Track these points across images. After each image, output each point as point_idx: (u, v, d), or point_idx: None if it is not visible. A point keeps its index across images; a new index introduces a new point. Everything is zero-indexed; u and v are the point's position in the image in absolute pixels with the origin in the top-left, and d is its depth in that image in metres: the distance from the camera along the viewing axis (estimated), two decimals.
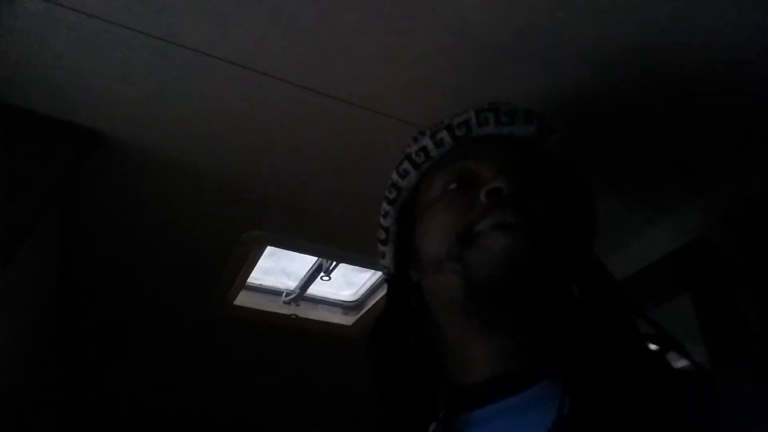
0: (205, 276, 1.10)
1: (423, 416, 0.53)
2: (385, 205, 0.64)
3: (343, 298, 1.36)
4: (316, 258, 1.20)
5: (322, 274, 1.23)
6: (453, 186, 0.56)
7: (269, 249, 1.07)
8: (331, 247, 1.05)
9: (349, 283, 1.36)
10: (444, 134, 0.59)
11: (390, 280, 0.65)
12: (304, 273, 1.27)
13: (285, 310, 1.28)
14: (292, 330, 1.29)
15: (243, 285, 1.17)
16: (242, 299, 1.22)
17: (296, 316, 1.27)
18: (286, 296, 1.29)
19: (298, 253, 1.11)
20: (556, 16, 0.62)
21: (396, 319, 0.58)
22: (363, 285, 1.33)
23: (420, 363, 0.55)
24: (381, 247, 0.65)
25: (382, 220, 0.64)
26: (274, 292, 1.30)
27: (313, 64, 0.68)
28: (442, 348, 0.56)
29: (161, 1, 0.61)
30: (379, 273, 1.21)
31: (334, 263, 1.20)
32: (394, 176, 0.63)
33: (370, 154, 0.81)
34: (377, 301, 1.27)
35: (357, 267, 1.24)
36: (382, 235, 0.64)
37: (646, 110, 0.73)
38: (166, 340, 1.34)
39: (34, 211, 0.72)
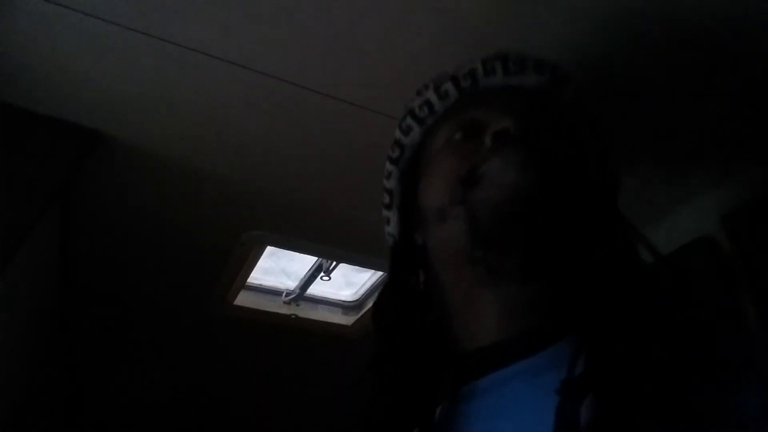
0: (205, 276, 1.10)
1: (431, 399, 0.49)
2: (388, 165, 0.60)
3: (343, 298, 1.36)
4: (316, 258, 1.20)
5: (322, 274, 1.23)
6: (458, 136, 0.53)
7: (269, 249, 1.07)
8: (331, 247, 1.05)
9: (349, 283, 1.36)
10: (448, 86, 0.56)
11: (393, 246, 0.60)
12: (304, 273, 1.27)
13: (285, 310, 1.28)
14: (292, 330, 1.29)
15: (243, 285, 1.17)
16: (242, 299, 1.22)
17: (296, 316, 1.27)
18: (286, 296, 1.29)
19: (298, 253, 1.11)
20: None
21: (400, 290, 0.54)
22: (363, 285, 1.33)
23: (427, 337, 0.51)
24: (385, 212, 0.61)
25: (385, 182, 0.60)
26: (274, 292, 1.30)
27: (313, 64, 0.68)
28: (447, 315, 0.52)
29: (161, 1, 0.61)
30: (380, 273, 1.21)
31: (334, 263, 1.20)
32: (397, 133, 0.59)
33: (370, 154, 0.81)
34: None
35: (357, 267, 1.24)
36: (386, 199, 0.60)
37: (646, 111, 0.73)
38: (166, 340, 1.34)
39: (34, 211, 0.72)
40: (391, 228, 0.61)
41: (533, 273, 0.46)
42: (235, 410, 1.67)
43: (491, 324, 0.47)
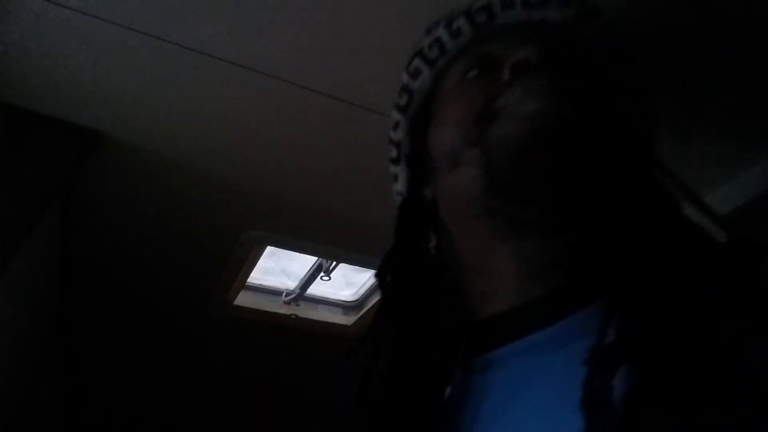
0: (205, 276, 1.10)
1: (442, 374, 0.44)
2: (395, 114, 0.54)
3: (343, 298, 1.36)
4: (316, 258, 1.20)
5: (322, 274, 1.23)
6: (473, 73, 0.47)
7: (269, 249, 1.07)
8: (331, 247, 1.05)
9: (349, 283, 1.36)
10: (461, 22, 0.49)
11: (401, 204, 0.53)
12: (304, 273, 1.27)
13: (285, 310, 1.28)
14: (292, 330, 1.29)
15: (243, 285, 1.17)
16: (242, 299, 1.22)
17: (296, 316, 1.27)
18: (286, 296, 1.29)
19: (298, 253, 1.11)
20: None
21: (408, 252, 0.49)
22: (363, 285, 1.33)
23: (437, 305, 0.46)
24: (392, 168, 0.55)
25: (392, 134, 0.54)
26: (274, 292, 1.30)
27: (313, 64, 0.68)
28: (460, 278, 0.47)
29: (161, 1, 0.61)
30: None
31: (334, 263, 1.20)
32: (405, 78, 0.53)
33: (370, 154, 0.81)
34: (377, 301, 1.27)
35: (357, 267, 1.24)
36: (393, 153, 0.54)
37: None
38: (166, 340, 1.34)
39: (34, 211, 0.72)
40: (399, 185, 0.55)
41: (558, 223, 0.40)
42: (235, 410, 1.67)
43: (510, 285, 0.41)
